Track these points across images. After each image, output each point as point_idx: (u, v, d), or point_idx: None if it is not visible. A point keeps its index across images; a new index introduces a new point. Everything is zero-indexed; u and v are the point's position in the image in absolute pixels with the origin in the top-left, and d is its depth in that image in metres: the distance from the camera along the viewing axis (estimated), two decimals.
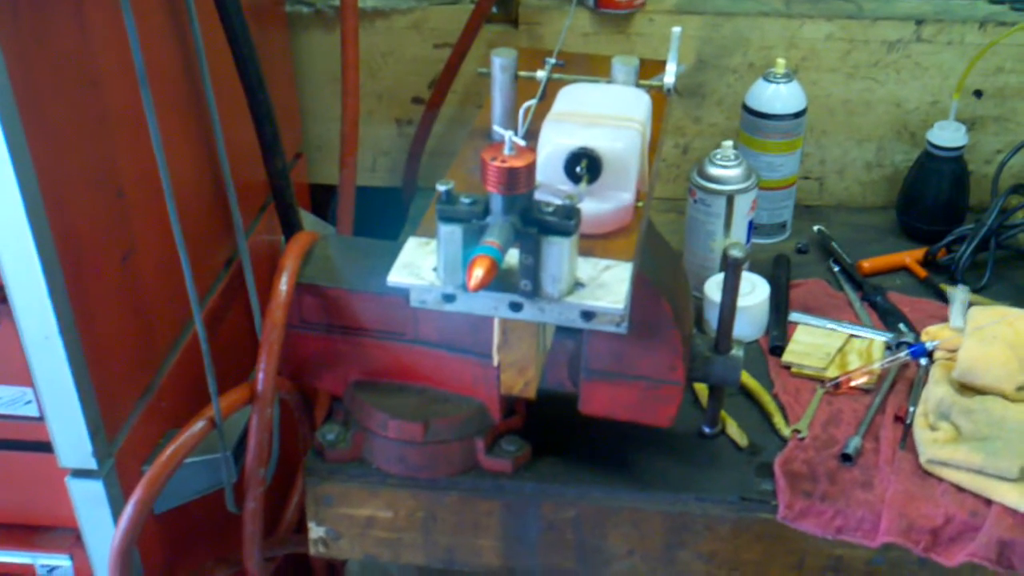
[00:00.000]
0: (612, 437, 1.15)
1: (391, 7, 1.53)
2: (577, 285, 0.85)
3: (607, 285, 0.85)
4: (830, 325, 1.33)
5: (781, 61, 1.44)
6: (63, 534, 1.11)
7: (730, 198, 1.34)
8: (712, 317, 1.29)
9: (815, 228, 1.54)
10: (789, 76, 1.45)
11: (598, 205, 0.91)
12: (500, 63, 1.02)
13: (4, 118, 0.83)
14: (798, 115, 1.45)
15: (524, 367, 0.94)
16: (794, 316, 1.35)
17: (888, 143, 1.58)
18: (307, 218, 1.52)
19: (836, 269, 1.47)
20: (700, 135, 1.60)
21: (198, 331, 1.03)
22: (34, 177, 0.88)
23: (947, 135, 1.46)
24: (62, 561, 1.11)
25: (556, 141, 0.91)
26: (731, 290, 1.04)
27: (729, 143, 1.36)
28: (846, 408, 1.19)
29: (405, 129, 1.64)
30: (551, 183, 0.91)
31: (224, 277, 1.31)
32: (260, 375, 1.07)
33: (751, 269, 1.40)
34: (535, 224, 0.81)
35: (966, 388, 1.16)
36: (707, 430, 1.16)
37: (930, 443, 1.10)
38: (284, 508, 1.41)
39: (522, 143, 0.81)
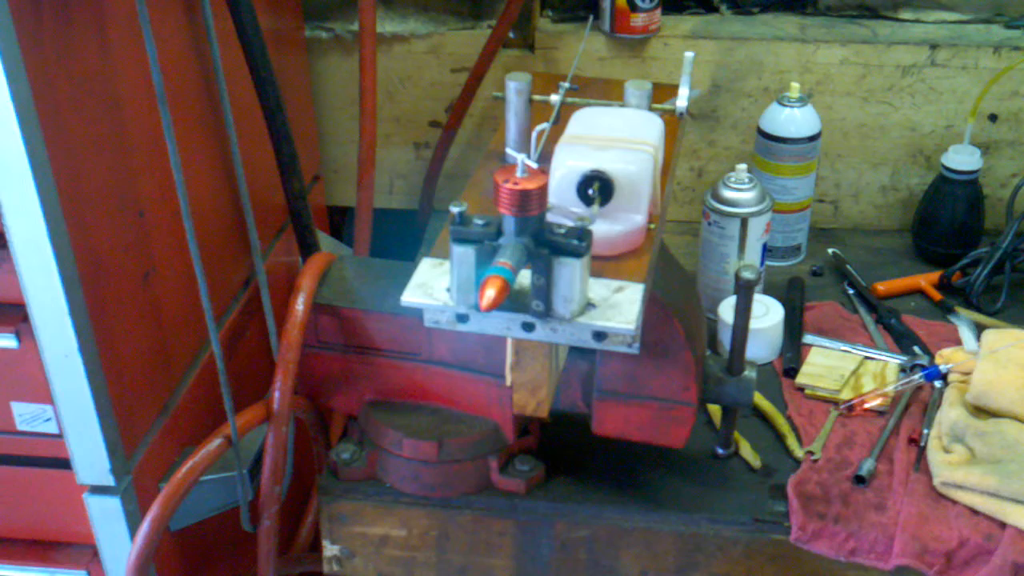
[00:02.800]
0: (626, 458, 1.15)
1: (409, 32, 1.55)
2: (589, 306, 0.86)
3: (619, 306, 0.86)
4: (844, 347, 1.33)
5: (795, 85, 1.45)
6: (80, 550, 1.12)
7: (744, 221, 1.35)
8: (726, 339, 1.29)
9: (830, 251, 1.54)
10: (803, 100, 1.46)
11: (610, 227, 0.92)
12: (514, 87, 1.03)
13: (26, 136, 0.85)
14: (812, 139, 1.46)
15: (536, 387, 0.95)
16: (808, 338, 1.35)
17: (903, 167, 1.58)
18: (324, 239, 1.53)
19: (851, 292, 1.47)
20: (715, 158, 1.61)
21: (214, 350, 1.04)
22: (55, 195, 0.90)
23: (962, 159, 1.46)
24: None
25: (569, 164, 0.93)
26: (743, 312, 1.05)
27: (743, 166, 1.37)
28: (860, 430, 1.19)
29: (422, 152, 1.66)
30: (564, 205, 0.92)
31: (242, 297, 1.32)
32: (276, 394, 1.08)
33: (766, 291, 1.40)
34: (547, 245, 0.82)
35: (980, 411, 1.16)
36: (720, 451, 1.16)
37: (944, 465, 1.10)
38: (299, 526, 1.42)
39: (535, 165, 0.82)
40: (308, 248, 1.35)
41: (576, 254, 0.82)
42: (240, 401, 1.11)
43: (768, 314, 1.33)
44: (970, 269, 1.44)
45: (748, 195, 1.35)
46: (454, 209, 0.83)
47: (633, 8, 1.48)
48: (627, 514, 1.11)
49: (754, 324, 1.29)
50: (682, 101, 1.01)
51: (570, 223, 0.84)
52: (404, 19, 1.55)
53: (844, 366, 1.29)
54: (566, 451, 1.16)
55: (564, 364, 1.07)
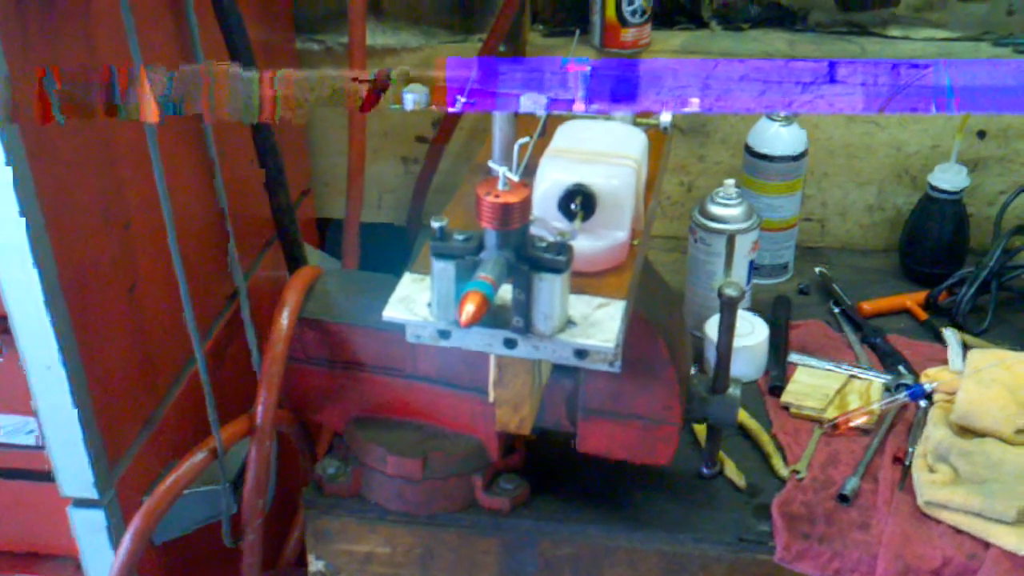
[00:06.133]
0: (611, 476, 1.15)
1: (401, 45, 1.55)
2: (569, 323, 0.86)
3: (599, 323, 0.86)
4: (829, 366, 1.33)
5: None
6: (64, 562, 1.12)
7: (731, 238, 1.35)
8: (712, 357, 1.30)
9: (817, 270, 1.55)
10: (790, 118, 1.46)
11: (593, 243, 0.92)
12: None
13: (8, 145, 0.85)
14: (798, 157, 1.46)
15: (519, 404, 0.95)
16: (793, 357, 1.35)
17: (889, 186, 1.59)
18: (312, 253, 1.53)
19: (837, 310, 1.47)
20: (704, 173, 1.62)
21: (199, 363, 1.04)
22: (37, 205, 0.90)
23: (948, 177, 1.47)
24: None
25: (552, 177, 0.93)
26: (727, 329, 1.05)
27: (731, 182, 1.37)
28: (844, 449, 1.20)
29: (411, 167, 1.66)
30: (547, 219, 0.92)
31: (228, 311, 1.32)
32: (259, 408, 1.08)
33: (752, 309, 1.41)
34: (528, 260, 0.82)
35: (965, 431, 1.16)
36: (705, 470, 1.16)
37: (928, 485, 1.10)
38: (286, 540, 1.41)
39: (516, 178, 0.82)
40: (295, 262, 1.35)
41: (556, 270, 0.82)
42: (227, 415, 1.11)
43: (753, 332, 1.33)
44: (956, 288, 1.44)
45: (735, 212, 1.36)
46: (435, 224, 0.83)
47: (623, 23, 1.49)
48: (611, 533, 1.11)
49: (739, 342, 1.30)
50: (667, 116, 1.01)
51: (551, 238, 0.84)
52: (396, 32, 1.55)
53: (829, 385, 1.29)
54: (552, 469, 1.16)
55: (548, 381, 1.07)
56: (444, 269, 0.84)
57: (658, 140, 1.12)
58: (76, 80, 0.74)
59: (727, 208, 1.36)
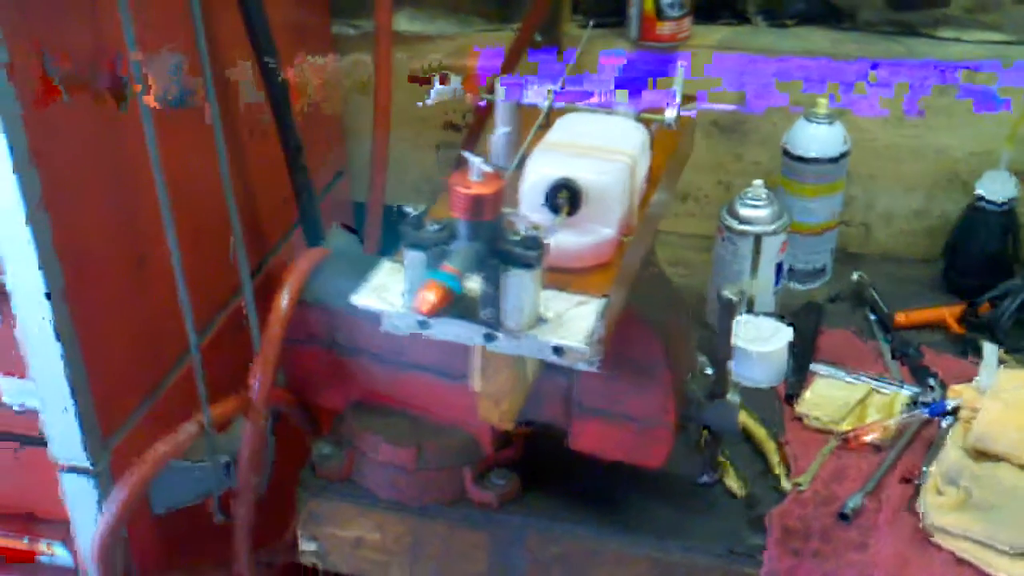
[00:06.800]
0: (607, 476, 1.12)
1: (437, 32, 1.54)
2: (540, 320, 0.84)
3: (572, 321, 0.84)
4: (851, 377, 1.28)
5: (823, 102, 1.40)
6: (60, 527, 1.14)
7: (758, 239, 1.31)
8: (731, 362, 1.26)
9: (854, 276, 1.49)
10: (831, 118, 1.41)
11: (578, 238, 0.90)
12: (501, 90, 1.02)
13: (4, 116, 0.86)
14: (837, 159, 1.41)
15: (500, 398, 0.93)
16: (816, 366, 1.31)
17: (937, 191, 1.52)
18: (340, 235, 1.54)
19: (872, 319, 1.41)
20: (742, 172, 1.57)
21: (189, 336, 1.05)
22: (34, 170, 0.91)
23: (996, 187, 1.40)
24: (61, 550, 1.14)
25: (539, 170, 0.91)
26: (726, 333, 1.02)
27: (759, 182, 1.33)
28: (854, 464, 1.15)
29: (447, 154, 1.65)
30: (534, 212, 0.90)
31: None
32: (254, 385, 1.08)
33: (782, 314, 1.36)
34: (498, 254, 0.80)
35: (981, 454, 1.10)
36: (704, 477, 1.13)
37: (934, 507, 1.05)
38: (290, 517, 1.42)
39: (489, 169, 0.80)
40: (314, 242, 1.35)
41: (526, 265, 0.80)
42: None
43: (774, 337, 1.28)
44: (999, 301, 1.37)
45: (763, 213, 1.32)
46: (410, 211, 0.82)
47: (660, 16, 1.45)
48: (600, 534, 1.08)
49: (758, 347, 1.26)
50: (671, 112, 0.98)
51: (524, 232, 0.82)
52: (431, 19, 1.54)
53: (849, 396, 1.24)
54: (548, 465, 1.14)
55: (541, 376, 1.05)
56: (416, 258, 0.83)
57: (670, 137, 1.09)
58: (82, 61, 0.75)
59: (755, 209, 1.32)
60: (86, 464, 1.05)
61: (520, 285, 0.80)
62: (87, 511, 1.07)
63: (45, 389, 1.01)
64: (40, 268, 0.94)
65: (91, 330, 1.02)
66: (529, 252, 0.80)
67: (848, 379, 1.27)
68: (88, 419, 1.03)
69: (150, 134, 0.96)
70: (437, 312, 0.77)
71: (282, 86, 1.22)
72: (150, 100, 0.90)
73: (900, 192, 1.53)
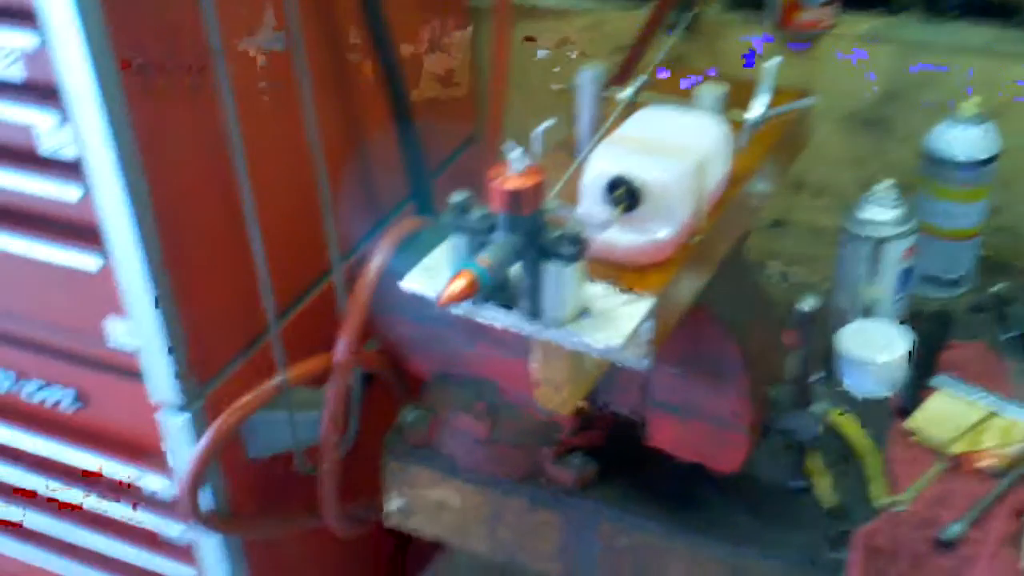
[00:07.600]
0: (690, 473, 1.08)
1: (571, 6, 1.52)
2: (584, 314, 0.81)
3: (617, 319, 0.80)
4: (973, 395, 1.19)
5: (972, 101, 1.30)
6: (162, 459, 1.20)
7: (877, 243, 1.23)
8: (838, 370, 1.20)
9: (996, 287, 1.38)
10: (981, 119, 1.30)
11: (635, 236, 0.86)
12: (587, 77, 0.99)
13: (100, 70, 0.90)
14: (983, 163, 1.31)
15: (560, 385, 0.91)
16: (937, 380, 1.22)
17: None
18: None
19: (1012, 335, 1.31)
20: (884, 170, 1.47)
21: (264, 300, 1.07)
22: (131, 136, 0.95)
23: None
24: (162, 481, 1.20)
25: (599, 166, 0.88)
26: (804, 344, 0.96)
27: (890, 182, 1.25)
28: (962, 490, 1.07)
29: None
30: (594, 206, 0.87)
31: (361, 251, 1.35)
32: (339, 347, 1.10)
33: (905, 323, 1.28)
34: (536, 248, 0.78)
35: None
36: (791, 484, 1.08)
37: None
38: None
39: (530, 162, 0.78)
40: (425, 211, 1.36)
41: (563, 260, 0.77)
42: None
43: (890, 347, 1.21)
44: None
45: (887, 215, 1.24)
46: (455, 198, 0.81)
47: (801, 2, 1.38)
48: (671, 532, 1.05)
49: (869, 356, 1.19)
50: (755, 112, 0.93)
51: (571, 227, 0.79)
52: None
53: (967, 416, 1.16)
54: (630, 455, 1.11)
55: (606, 366, 1.01)
56: (457, 244, 0.82)
57: (766, 135, 1.03)
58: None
59: (880, 211, 1.24)
60: (181, 403, 1.09)
61: (558, 279, 0.78)
62: (182, 447, 1.12)
63: (139, 332, 1.06)
64: (134, 217, 0.98)
65: (187, 286, 1.06)
66: (568, 247, 0.77)
67: (970, 397, 1.18)
68: (182, 364, 1.07)
69: (230, 105, 0.99)
70: (460, 301, 0.75)
71: (392, 55, 1.24)
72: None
73: None
